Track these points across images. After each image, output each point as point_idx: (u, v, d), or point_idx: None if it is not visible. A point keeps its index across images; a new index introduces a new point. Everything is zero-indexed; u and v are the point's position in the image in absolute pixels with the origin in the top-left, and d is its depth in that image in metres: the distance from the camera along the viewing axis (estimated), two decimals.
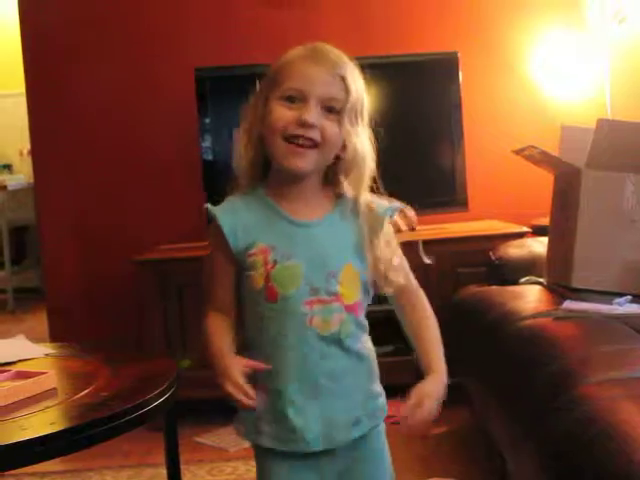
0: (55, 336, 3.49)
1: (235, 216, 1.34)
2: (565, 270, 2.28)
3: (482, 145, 3.43)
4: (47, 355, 1.98)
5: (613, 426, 1.32)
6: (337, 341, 1.32)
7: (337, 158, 1.34)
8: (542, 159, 2.44)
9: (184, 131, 3.38)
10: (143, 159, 3.51)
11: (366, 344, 1.39)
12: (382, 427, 1.43)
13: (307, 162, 1.30)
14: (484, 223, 3.33)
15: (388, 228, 1.38)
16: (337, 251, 1.33)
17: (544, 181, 2.67)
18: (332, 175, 1.37)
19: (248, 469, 2.52)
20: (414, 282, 1.42)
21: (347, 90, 1.29)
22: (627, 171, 2.22)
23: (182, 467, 1.88)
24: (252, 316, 1.35)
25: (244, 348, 1.38)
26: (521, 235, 3.03)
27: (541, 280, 2.49)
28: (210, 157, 3.23)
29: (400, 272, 1.38)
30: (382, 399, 1.42)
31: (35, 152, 3.62)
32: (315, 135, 1.28)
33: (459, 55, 3.25)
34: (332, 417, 1.33)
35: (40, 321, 3.81)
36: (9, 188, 5.80)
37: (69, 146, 3.53)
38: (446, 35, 3.45)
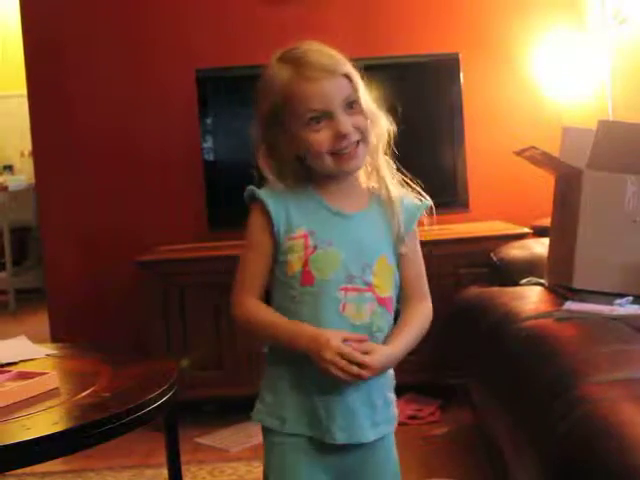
0: (56, 337, 3.49)
1: (279, 199, 1.36)
2: (566, 271, 2.28)
3: (483, 146, 3.43)
4: (48, 356, 1.98)
5: (614, 427, 1.32)
6: (369, 334, 1.33)
7: None
8: (543, 160, 2.44)
9: (185, 132, 3.38)
10: (144, 160, 3.51)
11: None
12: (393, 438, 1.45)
13: (359, 160, 1.35)
14: (485, 224, 3.33)
15: (416, 232, 1.44)
16: (373, 242, 1.36)
17: (545, 182, 2.68)
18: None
19: (249, 470, 2.52)
20: (425, 287, 1.46)
21: (353, 83, 1.32)
22: (628, 172, 2.22)
23: (183, 468, 1.89)
24: (284, 301, 1.36)
25: None
26: (522, 236, 3.02)
27: (542, 281, 2.49)
28: (212, 158, 3.23)
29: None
30: (395, 406, 1.43)
31: (36, 153, 3.62)
32: (355, 137, 1.33)
33: (460, 56, 3.25)
34: (355, 414, 1.34)
35: (41, 322, 3.81)
36: (10, 189, 5.81)
37: (70, 147, 3.54)
38: (447, 36, 3.45)
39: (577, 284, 2.24)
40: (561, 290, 2.31)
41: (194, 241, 3.29)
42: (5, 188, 5.77)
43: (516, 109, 3.49)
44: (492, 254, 2.75)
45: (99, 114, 3.52)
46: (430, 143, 3.34)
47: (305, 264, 1.32)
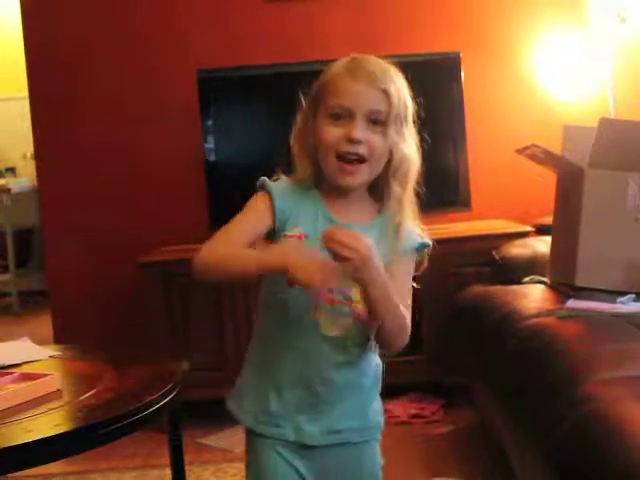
0: (59, 338, 3.50)
1: (285, 195, 1.37)
2: (568, 269, 2.28)
3: (485, 145, 3.43)
4: (51, 357, 1.98)
5: (617, 425, 1.32)
6: (342, 348, 1.33)
7: (386, 164, 1.37)
8: (545, 158, 2.44)
9: (187, 132, 3.39)
10: (146, 161, 3.51)
11: (373, 362, 1.39)
12: (375, 446, 1.42)
13: (357, 179, 1.34)
14: (487, 223, 3.33)
15: (411, 261, 1.40)
16: None
17: (547, 180, 2.67)
18: (381, 182, 1.38)
19: None
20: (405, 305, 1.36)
21: (390, 102, 1.32)
22: (630, 170, 2.22)
23: (186, 468, 1.89)
24: (266, 292, 1.37)
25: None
26: (524, 234, 3.02)
27: (544, 279, 2.49)
28: (213, 158, 3.23)
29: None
30: (380, 418, 1.42)
31: (38, 155, 3.63)
32: (363, 150, 1.32)
33: (461, 55, 3.25)
34: (313, 418, 1.34)
35: (44, 323, 3.81)
36: (13, 191, 5.82)
37: (72, 149, 3.54)
38: (448, 35, 3.45)
39: (579, 282, 2.24)
40: (563, 288, 2.31)
41: (196, 241, 3.27)
42: (8, 190, 5.78)
43: (517, 108, 3.49)
44: (494, 253, 2.75)
45: (100, 116, 3.52)
46: (431, 142, 3.33)
47: None
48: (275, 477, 1.36)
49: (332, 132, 1.32)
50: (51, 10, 3.51)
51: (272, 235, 1.36)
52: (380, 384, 1.42)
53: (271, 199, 1.35)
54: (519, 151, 2.50)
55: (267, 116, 3.25)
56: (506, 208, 3.42)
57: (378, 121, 1.32)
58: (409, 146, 1.38)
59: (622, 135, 2.23)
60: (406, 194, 1.38)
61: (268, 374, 1.36)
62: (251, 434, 1.39)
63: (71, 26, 3.51)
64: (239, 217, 1.37)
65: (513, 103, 3.49)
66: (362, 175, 1.34)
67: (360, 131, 1.31)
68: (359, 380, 1.37)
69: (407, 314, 1.34)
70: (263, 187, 1.37)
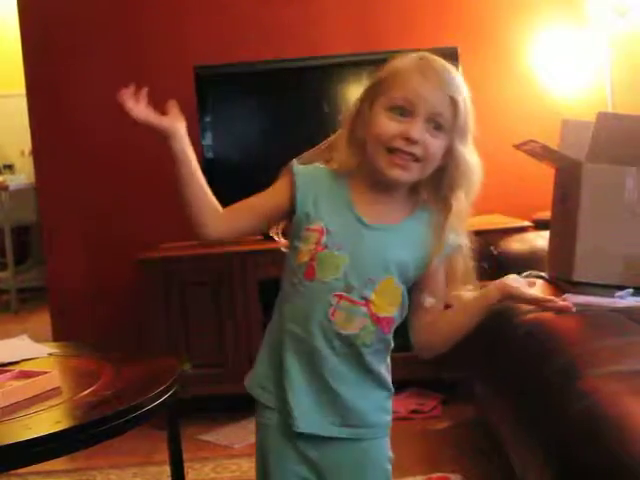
0: (58, 336, 3.50)
1: (314, 179, 1.36)
2: (566, 264, 2.28)
3: (482, 140, 3.42)
4: (50, 354, 1.99)
5: (616, 419, 1.32)
6: (353, 348, 1.32)
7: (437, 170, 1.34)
8: (543, 153, 2.43)
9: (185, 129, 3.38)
10: (144, 157, 3.50)
11: (384, 363, 1.39)
12: (384, 440, 1.42)
13: (409, 174, 1.31)
14: (485, 218, 3.33)
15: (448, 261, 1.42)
16: (384, 260, 1.32)
17: (545, 175, 2.67)
18: (428, 185, 1.36)
19: (252, 466, 2.50)
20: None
21: (456, 110, 1.31)
22: (628, 164, 2.22)
23: (186, 465, 1.89)
24: (287, 285, 1.36)
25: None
26: (522, 229, 3.02)
27: (543, 274, 2.49)
28: (211, 155, 3.23)
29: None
30: (388, 417, 1.41)
31: (36, 152, 3.62)
32: (417, 151, 1.29)
33: (459, 50, 3.24)
34: (324, 409, 1.33)
35: (43, 321, 3.82)
36: (11, 188, 5.81)
37: (70, 145, 3.54)
38: (446, 30, 3.45)
39: (577, 277, 2.24)
40: (562, 283, 2.30)
41: (195, 238, 3.28)
42: (6, 187, 5.77)
43: (515, 103, 3.49)
44: (492, 247, 2.75)
45: (98, 112, 3.51)
46: None
47: (312, 258, 1.31)
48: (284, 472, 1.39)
49: (389, 126, 1.29)
50: (48, 7, 3.51)
51: (293, 218, 1.35)
52: (389, 382, 1.41)
53: (292, 179, 1.34)
54: (517, 146, 2.49)
55: (265, 112, 3.24)
56: (504, 203, 3.42)
57: (439, 125, 1.30)
58: (474, 157, 1.36)
59: (620, 129, 2.22)
60: (467, 204, 1.38)
61: (280, 370, 1.34)
62: (264, 420, 1.39)
63: (68, 23, 3.51)
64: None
65: (511, 98, 3.49)
66: (413, 172, 1.30)
67: (418, 131, 1.28)
68: (370, 378, 1.36)
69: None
70: (290, 168, 1.36)
